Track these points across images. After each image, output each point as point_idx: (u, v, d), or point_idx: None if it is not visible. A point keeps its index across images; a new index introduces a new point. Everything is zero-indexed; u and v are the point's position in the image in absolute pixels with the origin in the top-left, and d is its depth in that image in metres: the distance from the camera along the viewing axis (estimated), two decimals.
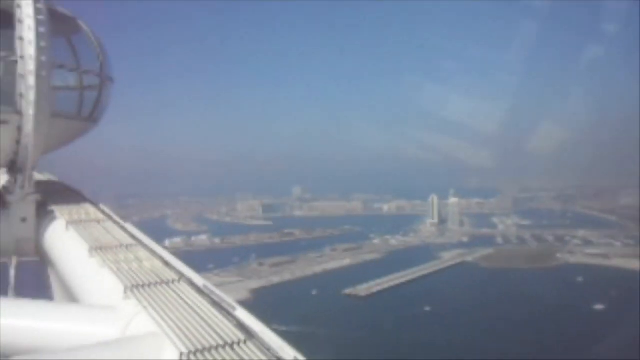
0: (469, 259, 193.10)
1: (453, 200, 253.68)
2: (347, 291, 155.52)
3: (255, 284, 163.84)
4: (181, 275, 6.50)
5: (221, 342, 4.71)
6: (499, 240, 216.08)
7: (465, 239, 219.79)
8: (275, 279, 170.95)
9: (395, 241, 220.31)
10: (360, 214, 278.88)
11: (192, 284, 6.25)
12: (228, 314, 5.33)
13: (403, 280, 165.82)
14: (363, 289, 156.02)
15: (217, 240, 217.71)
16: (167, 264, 6.95)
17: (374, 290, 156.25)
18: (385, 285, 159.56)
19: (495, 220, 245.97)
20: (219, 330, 4.94)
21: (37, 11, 8.49)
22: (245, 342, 4.75)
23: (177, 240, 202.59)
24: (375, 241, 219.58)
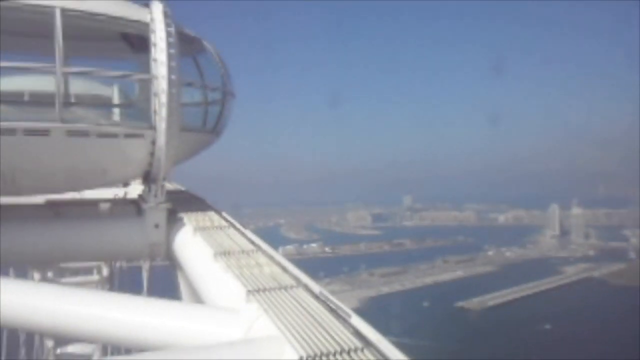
0: (596, 274, 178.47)
1: (576, 210, 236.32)
2: (460, 304, 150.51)
3: (364, 293, 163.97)
4: (298, 281, 6.69)
5: (338, 349, 4.77)
6: (632, 254, 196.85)
7: (591, 253, 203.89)
8: (385, 289, 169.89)
9: (512, 253, 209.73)
10: (474, 224, 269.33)
11: (308, 290, 6.41)
12: (344, 321, 5.40)
13: (520, 295, 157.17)
14: (477, 303, 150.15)
15: (327, 249, 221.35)
16: (285, 269, 7.20)
17: (489, 304, 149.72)
18: (501, 300, 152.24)
19: (626, 232, 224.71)
20: (336, 337, 5.02)
21: (168, 34, 9.24)
22: (362, 349, 4.78)
23: (290, 247, 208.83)
24: (490, 253, 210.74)
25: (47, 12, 8.46)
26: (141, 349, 6.90)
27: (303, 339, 4.96)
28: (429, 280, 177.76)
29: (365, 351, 4.76)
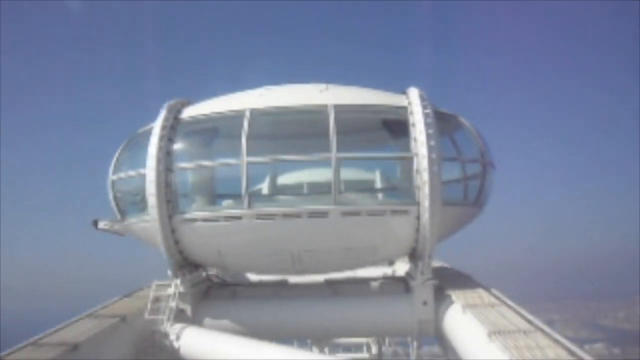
0: None
1: None
2: None
3: None
4: None
5: None
6: None
7: None
8: None
9: None
10: None
11: None
12: None
13: None
14: None
15: (616, 350, 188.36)
16: (572, 353, 6.36)
17: None
18: None
19: None
20: None
21: (426, 115, 9.65)
22: None
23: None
24: None
25: (321, 111, 9.73)
26: None
27: None
28: None
29: None
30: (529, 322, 7.78)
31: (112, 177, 10.92)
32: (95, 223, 11.61)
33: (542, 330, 7.31)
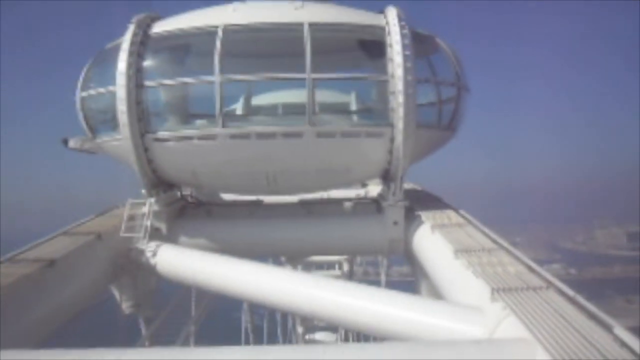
0: None
1: None
2: None
3: (621, 323, 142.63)
4: (548, 283, 6.17)
5: (601, 358, 4.26)
6: None
7: None
8: None
9: None
10: None
11: (561, 292, 5.86)
12: (607, 330, 4.78)
13: None
14: None
15: (572, 271, 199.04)
16: (531, 269, 6.72)
17: None
18: None
19: None
20: (597, 345, 4.47)
21: (403, 36, 9.49)
22: None
23: None
24: None
25: (296, 29, 9.48)
26: (382, 338, 7.22)
27: (557, 343, 4.55)
28: None
29: None
30: (494, 241, 8.12)
31: (81, 93, 10.61)
32: (65, 141, 11.40)
33: (506, 249, 7.65)
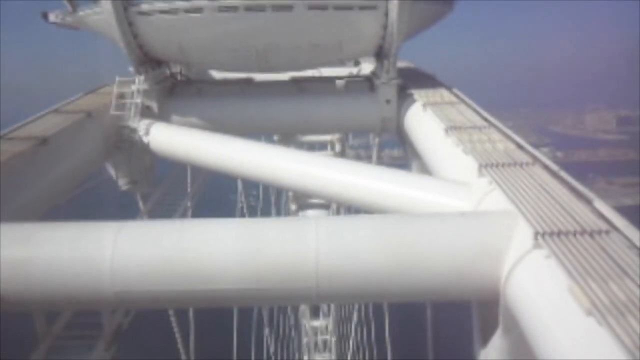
0: None
1: None
2: None
3: None
4: (535, 159, 6.31)
5: (579, 229, 4.46)
6: None
7: None
8: (627, 201, 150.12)
9: None
10: None
11: (546, 168, 6.01)
12: (586, 203, 4.98)
13: None
14: None
15: (559, 154, 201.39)
16: (520, 146, 6.82)
17: None
18: None
19: None
20: (577, 217, 4.67)
21: None
22: (607, 232, 4.38)
23: None
24: None
25: None
26: (376, 213, 7.47)
27: (539, 215, 4.74)
28: None
29: (612, 234, 4.34)
30: (485, 119, 8.15)
31: None
32: (45, 15, 10.88)
33: (496, 127, 7.70)
